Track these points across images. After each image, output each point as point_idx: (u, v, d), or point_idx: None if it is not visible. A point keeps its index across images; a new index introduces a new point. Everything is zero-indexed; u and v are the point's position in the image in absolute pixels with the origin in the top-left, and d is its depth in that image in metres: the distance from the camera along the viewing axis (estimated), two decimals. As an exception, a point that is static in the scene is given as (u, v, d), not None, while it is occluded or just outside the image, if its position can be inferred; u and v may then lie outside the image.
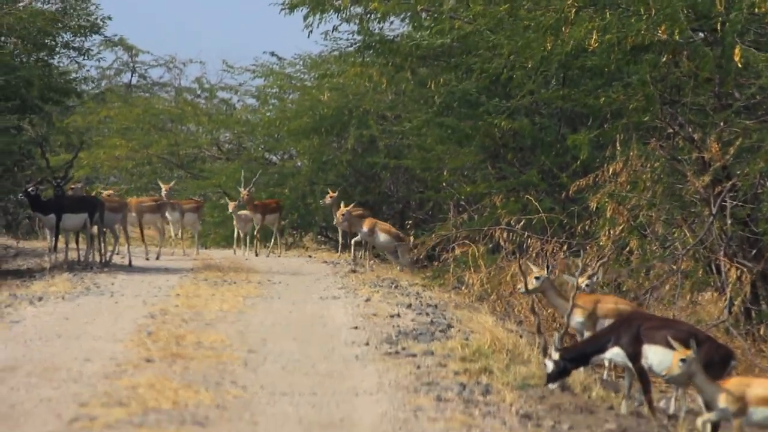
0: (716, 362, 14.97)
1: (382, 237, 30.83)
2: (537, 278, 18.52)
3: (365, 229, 30.63)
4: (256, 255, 34.45)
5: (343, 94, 36.44)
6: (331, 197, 31.47)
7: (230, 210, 34.24)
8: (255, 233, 34.67)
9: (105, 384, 15.45)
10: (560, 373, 15.87)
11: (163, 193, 33.64)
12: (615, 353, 15.68)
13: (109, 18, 30.55)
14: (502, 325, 20.35)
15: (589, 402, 15.52)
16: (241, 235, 34.84)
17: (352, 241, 31.32)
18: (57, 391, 15.11)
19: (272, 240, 34.90)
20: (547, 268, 18.68)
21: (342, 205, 30.73)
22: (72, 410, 14.06)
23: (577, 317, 17.84)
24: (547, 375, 15.89)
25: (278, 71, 42.75)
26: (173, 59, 54.07)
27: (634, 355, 15.44)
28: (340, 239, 33.68)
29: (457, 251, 25.97)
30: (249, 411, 14.20)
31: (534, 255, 23.42)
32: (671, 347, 14.71)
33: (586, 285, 18.02)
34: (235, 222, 34.48)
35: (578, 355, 15.92)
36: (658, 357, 15.25)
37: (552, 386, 15.74)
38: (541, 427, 13.85)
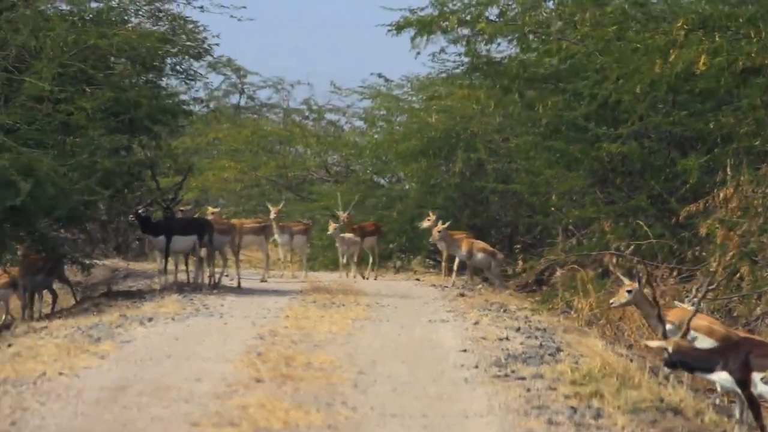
0: None
1: (480, 256, 30.86)
2: (629, 291, 18.51)
3: (464, 251, 30.61)
4: (364, 278, 34.37)
5: (450, 116, 36.42)
6: (429, 221, 31.28)
7: (330, 232, 34.11)
8: (354, 256, 34.57)
9: (216, 404, 15.47)
10: (672, 364, 15.87)
11: (272, 215, 33.64)
12: (723, 378, 15.56)
13: (217, 37, 30.65)
14: (611, 349, 20.21)
15: (701, 427, 15.38)
16: (343, 258, 34.71)
17: (454, 265, 31.27)
18: (168, 410, 15.13)
19: (369, 262, 34.74)
20: (639, 281, 18.60)
21: (439, 222, 30.64)
22: (183, 429, 14.10)
23: (668, 326, 17.86)
24: (664, 360, 15.88)
25: (386, 93, 42.83)
26: (281, 81, 54.27)
27: (743, 382, 15.27)
28: (445, 263, 33.51)
29: (561, 274, 25.94)
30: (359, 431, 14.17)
31: (644, 280, 23.28)
32: None
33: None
34: (337, 244, 34.38)
35: (687, 361, 15.85)
36: None
37: (667, 371, 15.78)
38: (655, 453, 13.75)
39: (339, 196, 36.65)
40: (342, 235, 34.17)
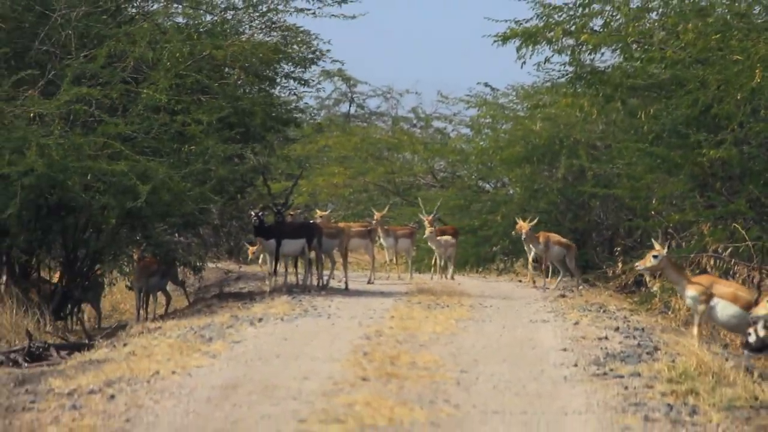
0: None
1: (556, 249, 30.98)
2: (655, 256, 18.56)
3: (540, 243, 30.76)
4: (450, 278, 34.43)
5: (554, 124, 36.46)
6: (521, 228, 31.27)
7: (426, 234, 34.16)
8: (452, 258, 34.66)
9: (323, 401, 15.60)
10: (760, 348, 15.89)
11: (374, 220, 33.79)
12: None
13: (329, 43, 30.75)
14: (707, 348, 20.17)
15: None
16: (441, 260, 34.77)
17: (530, 259, 31.50)
18: (277, 408, 15.29)
19: (444, 263, 34.78)
20: (669, 246, 18.66)
21: (521, 220, 30.79)
22: (291, 426, 14.24)
23: (691, 292, 17.88)
24: (748, 343, 15.89)
25: (491, 101, 42.87)
26: (390, 90, 54.50)
27: None
28: (547, 265, 33.46)
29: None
30: (462, 429, 14.26)
31: (740, 280, 23.30)
32: None
33: None
34: (433, 246, 34.47)
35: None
36: None
37: (750, 354, 15.78)
38: (746, 448, 13.79)
39: (420, 200, 36.89)
40: (439, 238, 34.27)
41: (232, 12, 29.04)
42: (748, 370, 16.42)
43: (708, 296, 18.04)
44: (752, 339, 16.25)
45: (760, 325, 16.50)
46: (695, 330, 19.92)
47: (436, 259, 34.91)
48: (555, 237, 31.36)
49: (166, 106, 25.95)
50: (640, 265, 19.18)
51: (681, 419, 15.00)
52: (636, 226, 32.92)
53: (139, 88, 26.00)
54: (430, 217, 34.22)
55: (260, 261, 33.49)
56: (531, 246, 31.62)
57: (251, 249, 32.86)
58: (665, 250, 18.70)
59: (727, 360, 17.22)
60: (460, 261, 38.57)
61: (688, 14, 26.27)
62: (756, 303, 17.52)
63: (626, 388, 16.81)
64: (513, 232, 32.91)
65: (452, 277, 34.41)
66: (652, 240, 20.54)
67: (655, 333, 22.15)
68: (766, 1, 26.67)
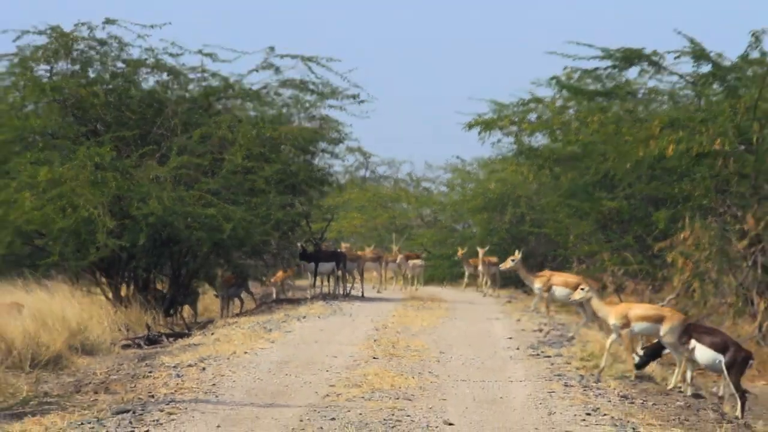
0: (740, 360, 14.83)
1: (493, 269, 31.06)
2: (513, 260, 18.62)
3: (477, 265, 31.08)
4: (415, 289, 34.22)
5: (504, 184, 36.52)
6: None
7: (397, 260, 33.65)
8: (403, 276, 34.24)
9: (346, 372, 15.62)
10: (642, 364, 15.88)
11: (395, 249, 33.68)
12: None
13: (351, 128, 30.87)
14: (607, 337, 20.19)
15: (664, 388, 15.39)
16: (409, 277, 34.14)
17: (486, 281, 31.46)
18: (314, 377, 15.31)
19: (415, 281, 34.40)
20: (522, 253, 18.60)
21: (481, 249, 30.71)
22: (324, 389, 14.27)
23: (537, 284, 17.91)
24: (636, 365, 15.90)
25: (461, 168, 43.04)
26: (393, 160, 54.31)
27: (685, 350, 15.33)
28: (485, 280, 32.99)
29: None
30: (440, 391, 14.28)
31: (629, 292, 23.32)
32: (714, 349, 14.76)
33: None
34: (404, 268, 33.98)
35: (653, 350, 15.89)
36: (703, 353, 15.13)
37: (638, 372, 15.79)
38: (633, 403, 13.78)
39: (394, 235, 36.97)
40: (408, 261, 33.75)
41: (285, 107, 29.11)
42: (635, 353, 16.42)
43: (548, 285, 18.07)
44: (636, 361, 16.22)
45: (638, 349, 16.51)
46: (541, 307, 20.22)
47: (405, 276, 34.32)
48: (494, 260, 31.32)
49: (240, 170, 25.97)
50: (502, 266, 19.32)
51: (589, 385, 15.03)
52: (559, 255, 32.92)
53: (222, 157, 26.02)
54: (397, 248, 34.00)
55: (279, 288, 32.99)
56: (481, 269, 31.63)
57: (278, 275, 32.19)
58: (519, 257, 18.80)
59: (620, 345, 17.18)
60: (439, 277, 38.44)
61: (594, 111, 26.33)
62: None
63: (552, 364, 16.85)
64: (470, 260, 32.65)
65: (416, 289, 33.65)
66: (516, 252, 20.99)
67: (572, 327, 22.13)
68: (645, 102, 26.80)
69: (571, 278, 21.71)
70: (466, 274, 32.63)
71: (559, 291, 20.99)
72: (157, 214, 23.78)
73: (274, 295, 30.15)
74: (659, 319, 16.12)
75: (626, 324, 16.38)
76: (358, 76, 39.25)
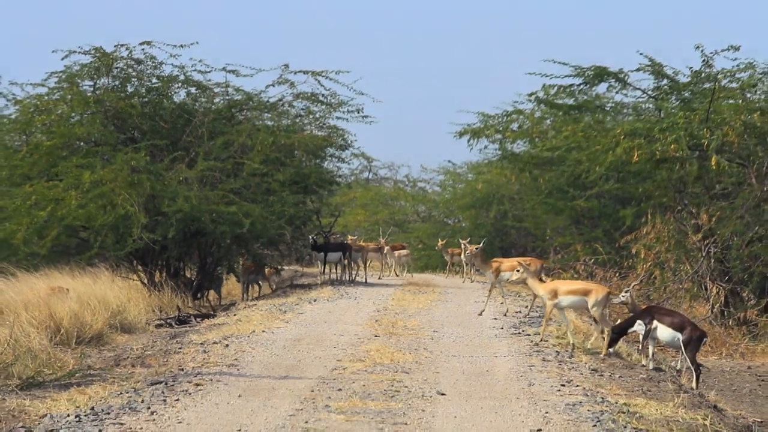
0: (695, 338, 14.84)
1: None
2: (469, 252, 18.17)
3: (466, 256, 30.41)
4: (411, 276, 34.09)
5: (489, 185, 36.45)
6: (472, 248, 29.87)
7: (385, 251, 33.29)
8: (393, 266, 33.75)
9: (351, 349, 15.60)
10: (612, 342, 15.82)
11: (382, 241, 33.60)
12: (637, 326, 15.52)
13: (355, 136, 30.97)
14: (579, 318, 20.17)
15: (631, 362, 15.38)
16: (396, 266, 33.40)
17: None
18: (324, 352, 15.29)
19: (402, 268, 34.02)
20: (484, 243, 18.24)
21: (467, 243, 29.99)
22: (332, 363, 14.25)
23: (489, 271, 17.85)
24: (607, 344, 15.85)
25: (452, 171, 42.91)
26: (393, 163, 54.25)
27: (648, 329, 15.29)
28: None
29: (553, 274, 25.93)
30: (434, 365, 14.26)
31: (599, 279, 23.29)
32: (673, 328, 14.77)
33: (623, 296, 17.68)
34: (390, 258, 33.37)
35: (620, 329, 15.84)
36: (663, 332, 15.11)
37: (611, 350, 15.70)
38: (602, 376, 13.76)
39: (381, 228, 36.80)
40: (395, 252, 33.32)
41: (298, 118, 29.06)
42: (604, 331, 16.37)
43: (498, 270, 17.93)
44: (606, 339, 16.14)
45: (594, 310, 16.42)
46: (493, 290, 20.04)
47: (394, 265, 33.84)
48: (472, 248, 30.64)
49: (258, 173, 25.99)
50: (463, 256, 19.15)
51: (564, 360, 15.02)
52: (537, 246, 32.92)
53: (243, 161, 26.03)
54: (384, 240, 33.65)
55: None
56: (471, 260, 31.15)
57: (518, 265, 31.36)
58: (476, 249, 18.61)
59: (591, 325, 17.18)
60: (433, 265, 38.33)
61: (567, 121, 26.34)
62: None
63: (532, 341, 16.82)
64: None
65: (411, 275, 33.10)
66: (461, 241, 20.72)
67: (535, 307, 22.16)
68: (612, 114, 26.79)
69: (516, 263, 21.64)
70: (449, 263, 32.49)
71: (508, 275, 20.91)
72: (185, 211, 23.97)
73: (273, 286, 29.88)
74: (586, 293, 16.26)
75: (554, 297, 16.46)
76: (363, 86, 39.49)
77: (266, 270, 29.18)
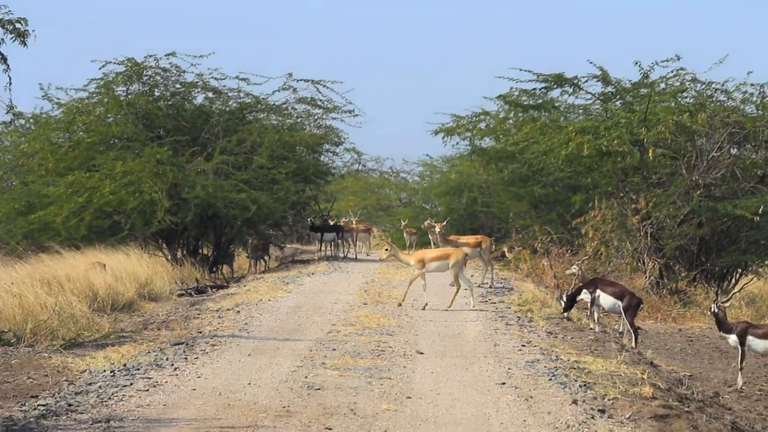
0: (633, 305, 14.92)
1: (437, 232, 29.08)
2: (386, 250, 17.14)
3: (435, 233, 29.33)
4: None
5: (461, 175, 36.16)
6: (439, 227, 28.03)
7: (402, 226, 32.76)
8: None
9: (344, 315, 15.63)
10: (566, 308, 15.80)
11: (353, 221, 33.13)
12: (584, 294, 15.50)
13: (347, 135, 30.99)
14: (537, 289, 20.21)
15: (581, 326, 15.41)
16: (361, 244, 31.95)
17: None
18: (321, 318, 15.32)
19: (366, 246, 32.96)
20: (391, 247, 17.43)
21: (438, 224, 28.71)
22: (328, 327, 14.28)
23: (412, 260, 17.20)
24: (563, 309, 15.84)
25: (429, 163, 42.67)
26: (379, 157, 53.92)
27: (593, 297, 15.27)
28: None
29: (514, 252, 25.97)
30: (414, 329, 14.29)
31: (554, 255, 23.30)
32: (614, 297, 14.79)
33: (575, 269, 17.58)
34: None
35: (570, 298, 15.82)
36: (606, 299, 15.13)
37: (566, 314, 15.70)
38: (557, 338, 13.79)
39: (350, 212, 36.45)
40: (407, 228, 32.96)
41: (300, 119, 29.08)
42: (558, 300, 16.40)
43: (423, 262, 17.32)
44: (562, 306, 16.04)
45: (559, 295, 16.42)
46: (413, 284, 18.71)
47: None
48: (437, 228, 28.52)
49: (266, 165, 25.98)
50: (385, 255, 17.92)
51: (525, 324, 15.06)
52: (501, 227, 32.92)
53: (252, 156, 26.02)
54: (355, 220, 31.65)
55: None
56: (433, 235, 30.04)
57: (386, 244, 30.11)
58: (391, 248, 17.54)
59: (547, 295, 17.22)
60: (413, 244, 38.18)
61: (527, 121, 26.30)
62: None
63: (497, 309, 16.88)
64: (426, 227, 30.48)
65: (367, 254, 31.52)
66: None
67: (511, 281, 22.18)
68: (566, 114, 26.78)
69: (473, 239, 21.60)
70: (408, 242, 32.04)
71: (435, 265, 20.60)
72: (201, 197, 23.97)
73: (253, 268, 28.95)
74: (447, 256, 16.89)
75: (423, 265, 16.86)
76: (354, 94, 39.38)
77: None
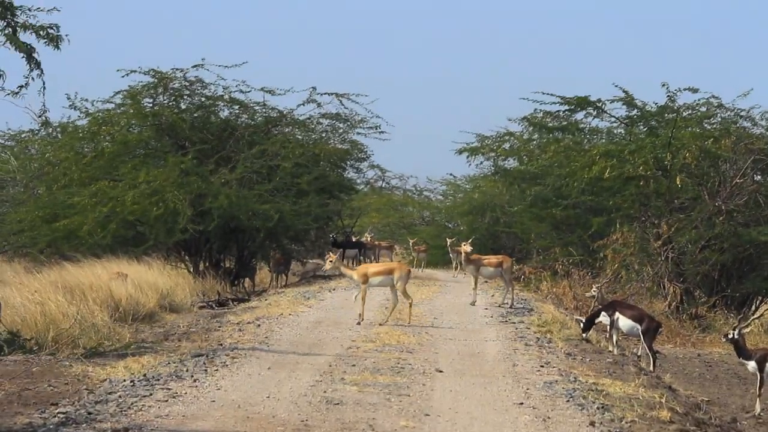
0: (652, 328, 14.93)
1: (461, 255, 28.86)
2: (331, 261, 16.99)
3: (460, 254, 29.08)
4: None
5: (484, 194, 36.28)
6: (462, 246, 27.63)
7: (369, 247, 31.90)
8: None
9: (364, 330, 15.65)
10: (586, 329, 15.79)
11: (384, 242, 33.34)
12: (603, 317, 15.51)
13: (371, 151, 31.16)
14: (557, 310, 20.17)
15: (600, 348, 15.37)
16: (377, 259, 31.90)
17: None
18: (341, 333, 15.34)
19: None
20: (340, 255, 17.27)
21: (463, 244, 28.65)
22: (348, 343, 14.29)
23: (355, 276, 16.75)
24: (582, 330, 15.82)
25: (453, 182, 42.80)
26: (403, 174, 53.95)
27: (612, 320, 15.26)
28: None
29: (535, 272, 25.93)
30: (434, 346, 14.29)
31: (575, 277, 23.28)
32: (633, 320, 14.78)
33: (594, 292, 17.52)
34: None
35: (589, 319, 15.82)
36: (625, 322, 15.13)
37: (585, 335, 15.69)
38: (575, 359, 13.75)
39: (369, 229, 36.48)
40: (455, 247, 32.06)
41: (324, 133, 29.18)
42: (578, 322, 16.38)
43: (366, 277, 16.91)
44: (582, 327, 16.05)
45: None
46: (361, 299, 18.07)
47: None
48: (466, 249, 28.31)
49: (291, 172, 26.00)
50: (328, 266, 17.47)
51: (544, 345, 15.01)
52: (523, 248, 32.87)
53: (276, 164, 26.08)
54: (370, 237, 32.13)
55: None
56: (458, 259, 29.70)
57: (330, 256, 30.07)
58: (335, 258, 17.28)
59: (566, 316, 17.18)
60: (434, 262, 38.06)
61: (551, 142, 26.33)
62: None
63: (517, 329, 16.81)
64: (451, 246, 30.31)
65: (422, 270, 32.17)
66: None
67: (531, 302, 22.13)
68: (589, 137, 26.82)
69: (494, 259, 21.29)
70: (416, 259, 31.81)
71: (488, 270, 20.70)
72: (224, 207, 24.07)
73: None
74: (390, 272, 16.74)
75: (366, 280, 16.60)
76: (379, 108, 39.52)
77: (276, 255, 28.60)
